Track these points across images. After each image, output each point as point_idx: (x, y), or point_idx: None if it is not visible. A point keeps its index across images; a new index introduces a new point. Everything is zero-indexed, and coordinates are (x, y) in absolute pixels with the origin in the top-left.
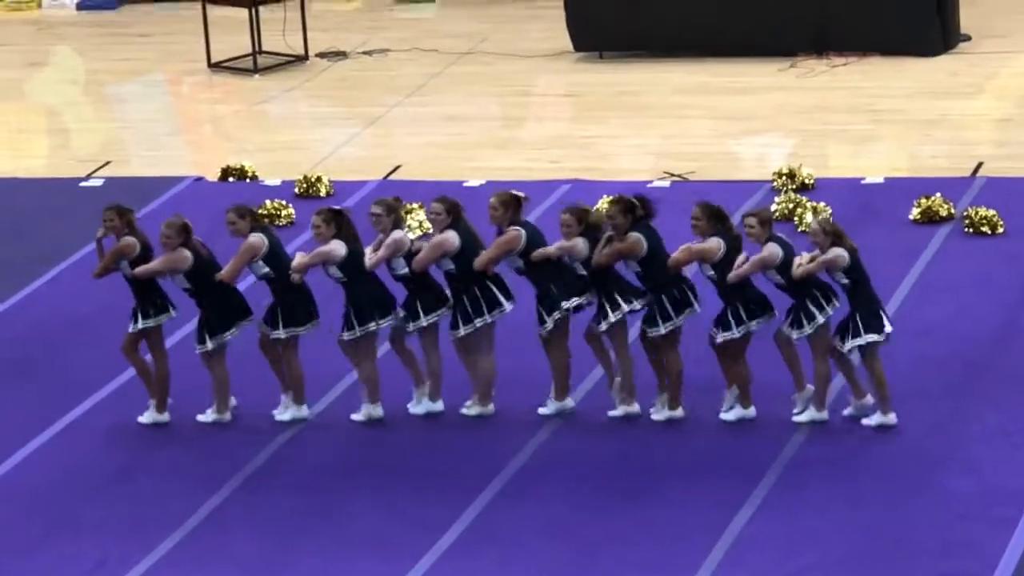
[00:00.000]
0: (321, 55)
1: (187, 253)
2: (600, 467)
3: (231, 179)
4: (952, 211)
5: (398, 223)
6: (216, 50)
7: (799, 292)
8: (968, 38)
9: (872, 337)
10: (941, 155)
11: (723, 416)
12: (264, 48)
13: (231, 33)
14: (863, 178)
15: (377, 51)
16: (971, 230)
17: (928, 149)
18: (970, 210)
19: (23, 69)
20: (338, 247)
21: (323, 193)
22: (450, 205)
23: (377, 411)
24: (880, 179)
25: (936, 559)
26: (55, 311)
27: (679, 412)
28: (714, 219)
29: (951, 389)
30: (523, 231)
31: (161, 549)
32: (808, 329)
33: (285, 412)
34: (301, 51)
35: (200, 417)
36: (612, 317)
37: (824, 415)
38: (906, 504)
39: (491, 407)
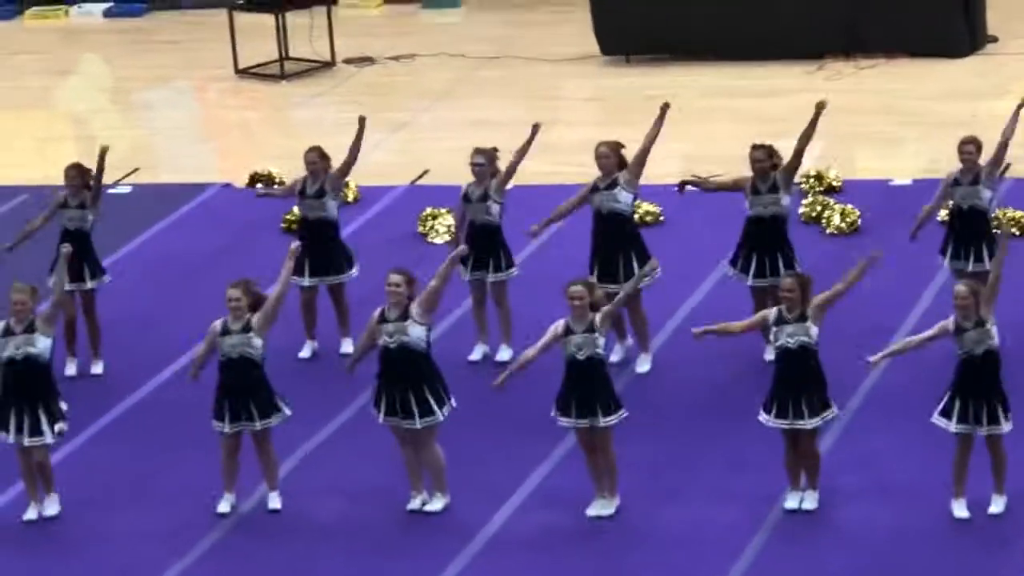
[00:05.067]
0: (348, 61)
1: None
2: (635, 465)
3: (259, 185)
4: None
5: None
6: (243, 56)
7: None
8: (995, 39)
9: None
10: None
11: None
12: (291, 54)
13: (258, 39)
14: (891, 180)
15: (404, 56)
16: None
17: (956, 151)
18: (999, 211)
19: (51, 77)
20: None
21: (351, 198)
22: None
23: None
24: (908, 181)
25: (968, 553)
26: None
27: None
28: (808, 287)
29: None
30: None
31: (194, 552)
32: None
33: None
34: (328, 57)
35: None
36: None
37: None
38: (937, 500)
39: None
